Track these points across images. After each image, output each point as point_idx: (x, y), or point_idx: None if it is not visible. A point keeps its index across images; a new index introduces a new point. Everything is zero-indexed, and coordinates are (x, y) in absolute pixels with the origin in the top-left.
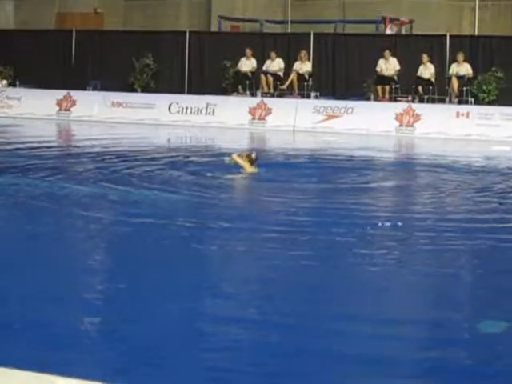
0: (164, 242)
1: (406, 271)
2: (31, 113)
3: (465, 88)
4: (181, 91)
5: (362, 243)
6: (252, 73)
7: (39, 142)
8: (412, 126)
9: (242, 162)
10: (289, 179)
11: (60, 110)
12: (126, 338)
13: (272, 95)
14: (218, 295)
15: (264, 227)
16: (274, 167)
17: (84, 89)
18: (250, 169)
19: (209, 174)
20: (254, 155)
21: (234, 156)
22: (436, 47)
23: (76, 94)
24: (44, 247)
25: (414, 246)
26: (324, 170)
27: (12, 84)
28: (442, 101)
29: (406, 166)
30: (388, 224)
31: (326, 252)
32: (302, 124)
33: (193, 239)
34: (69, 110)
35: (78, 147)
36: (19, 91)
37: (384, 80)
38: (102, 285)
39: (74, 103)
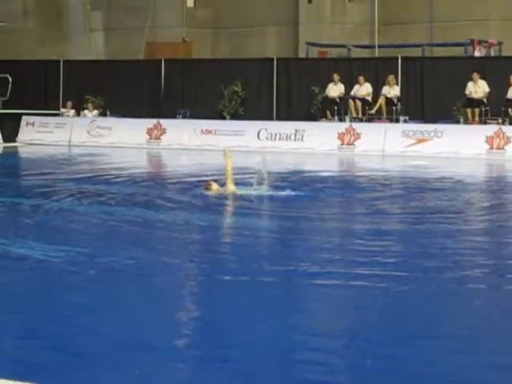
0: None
1: None
2: (122, 142)
3: None
4: (269, 118)
5: None
6: (340, 98)
7: (130, 169)
8: (503, 148)
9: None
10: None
11: (150, 138)
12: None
13: (360, 120)
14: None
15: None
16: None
17: (173, 117)
18: (215, 191)
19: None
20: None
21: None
22: None
23: (166, 123)
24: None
25: None
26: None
27: (103, 114)
28: None
29: None
30: None
31: None
32: (391, 148)
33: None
34: (159, 138)
35: (173, 175)
36: (110, 121)
37: (473, 103)
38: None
39: (163, 132)
